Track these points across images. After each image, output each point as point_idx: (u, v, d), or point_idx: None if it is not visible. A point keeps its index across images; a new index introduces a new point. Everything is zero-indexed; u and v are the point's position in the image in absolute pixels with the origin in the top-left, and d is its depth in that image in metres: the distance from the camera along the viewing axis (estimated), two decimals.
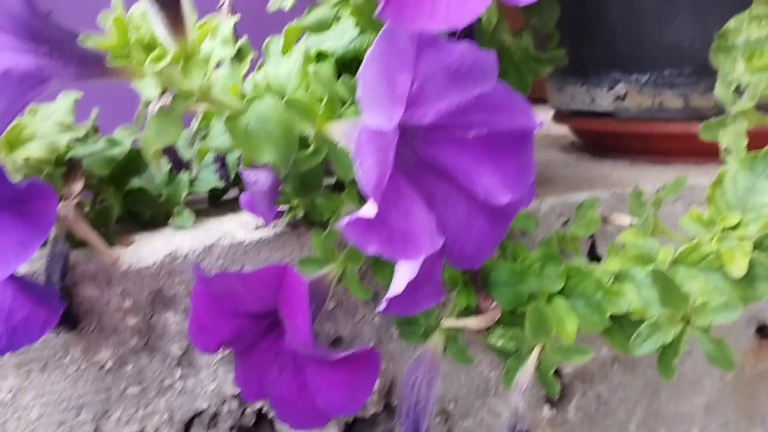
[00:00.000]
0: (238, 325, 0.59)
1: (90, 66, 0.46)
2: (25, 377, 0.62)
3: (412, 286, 0.47)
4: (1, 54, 0.43)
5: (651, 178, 0.85)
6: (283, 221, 0.66)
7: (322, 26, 0.54)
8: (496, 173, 0.47)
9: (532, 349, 0.61)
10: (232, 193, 0.86)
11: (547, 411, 0.81)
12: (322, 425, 0.62)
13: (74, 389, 0.63)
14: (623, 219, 0.70)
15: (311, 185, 0.58)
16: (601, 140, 1.01)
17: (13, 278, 0.48)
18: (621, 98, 0.89)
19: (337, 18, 0.54)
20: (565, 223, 0.76)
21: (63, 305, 0.51)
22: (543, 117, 1.22)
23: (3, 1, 0.44)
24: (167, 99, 0.48)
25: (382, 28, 0.40)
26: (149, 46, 0.43)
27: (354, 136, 0.49)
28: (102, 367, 0.64)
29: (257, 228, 0.69)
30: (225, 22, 0.46)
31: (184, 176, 0.73)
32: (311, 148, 0.51)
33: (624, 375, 0.83)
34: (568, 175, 0.87)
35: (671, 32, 0.82)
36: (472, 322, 0.60)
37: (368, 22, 0.49)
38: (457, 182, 0.49)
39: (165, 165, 0.74)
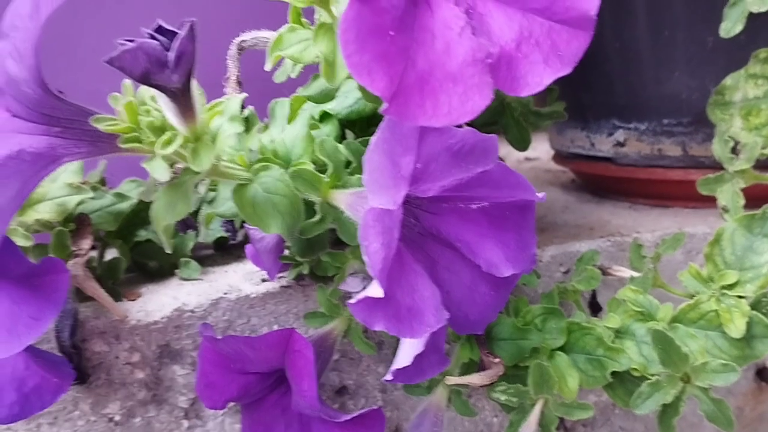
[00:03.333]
0: (245, 382, 0.60)
1: (102, 144, 0.47)
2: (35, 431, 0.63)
3: (418, 357, 0.48)
4: (14, 135, 0.45)
5: (650, 223, 0.86)
6: (289, 276, 0.67)
7: (326, 97, 0.56)
8: (498, 247, 0.49)
9: (535, 403, 0.62)
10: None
11: None
12: None
13: None
14: (623, 271, 0.71)
15: (316, 247, 0.59)
16: (601, 183, 1.02)
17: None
18: (620, 144, 0.90)
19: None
20: (566, 272, 0.77)
21: (74, 372, 0.51)
22: (543, 149, 1.23)
23: (16, 83, 0.45)
24: (177, 169, 0.49)
25: (385, 117, 0.41)
26: (160, 129, 0.44)
27: (359, 208, 0.51)
28: (111, 419, 0.65)
29: (263, 281, 0.70)
30: (233, 100, 0.47)
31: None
32: (317, 217, 0.52)
33: (626, 419, 0.84)
34: (568, 221, 0.89)
35: (669, 84, 0.84)
36: (476, 379, 0.61)
37: (371, 97, 0.50)
38: (460, 252, 0.50)
39: None
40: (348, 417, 0.55)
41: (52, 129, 0.45)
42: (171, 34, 0.39)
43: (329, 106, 0.64)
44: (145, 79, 0.39)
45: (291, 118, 0.57)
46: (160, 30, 0.39)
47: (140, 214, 0.72)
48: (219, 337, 0.57)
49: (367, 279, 0.60)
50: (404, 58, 0.37)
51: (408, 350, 0.46)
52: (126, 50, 0.37)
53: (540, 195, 0.48)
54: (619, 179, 0.94)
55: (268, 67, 0.51)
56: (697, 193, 0.73)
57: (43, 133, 0.45)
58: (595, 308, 0.76)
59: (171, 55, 0.38)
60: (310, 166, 0.54)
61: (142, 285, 0.72)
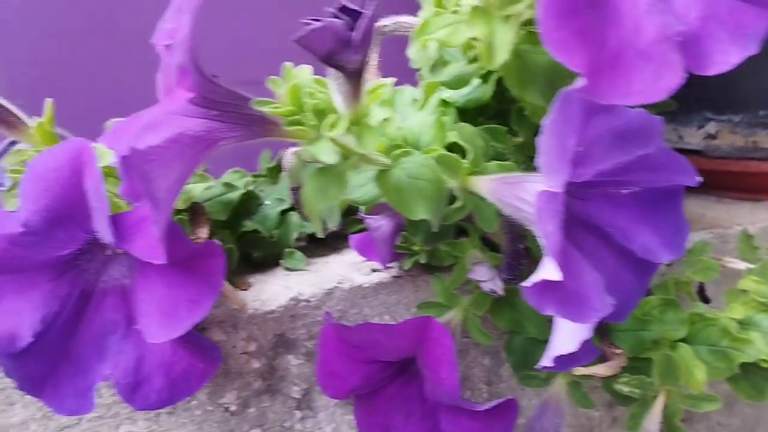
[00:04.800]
0: (369, 371, 0.60)
1: (255, 128, 0.47)
2: (154, 421, 0.63)
3: None
4: (177, 117, 0.45)
5: (745, 215, 0.85)
6: (404, 266, 0.67)
7: (461, 82, 0.55)
8: (654, 232, 0.48)
9: (658, 395, 0.61)
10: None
11: None
12: None
13: None
14: (735, 263, 0.71)
15: (443, 235, 0.59)
16: None
17: None
18: (711, 137, 0.89)
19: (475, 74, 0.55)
20: (669, 264, 0.76)
21: (220, 357, 0.51)
22: None
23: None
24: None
25: (558, 96, 0.41)
26: (323, 111, 0.44)
27: (505, 194, 0.50)
28: (227, 409, 0.65)
29: (373, 271, 0.70)
30: (386, 85, 0.47)
31: (293, 218, 0.74)
32: (458, 203, 0.52)
33: (723, 414, 0.83)
34: None
35: (766, 76, 0.83)
36: (601, 370, 0.61)
37: (516, 82, 0.50)
38: (610, 238, 0.49)
39: (274, 207, 0.75)
40: (486, 407, 0.54)
41: (210, 112, 0.45)
42: (352, 14, 0.38)
43: (446, 94, 0.63)
44: (328, 59, 0.39)
45: (423, 105, 0.57)
46: (341, 9, 0.39)
47: (245, 204, 0.73)
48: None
49: (494, 269, 0.60)
50: (597, 36, 0.37)
51: (571, 336, 0.46)
52: (313, 29, 0.37)
53: (698, 178, 0.48)
54: (709, 172, 0.92)
55: (412, 51, 0.51)
56: None
57: (202, 116, 0.45)
58: (704, 300, 0.75)
59: (356, 35, 0.38)
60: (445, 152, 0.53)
61: (248, 275, 0.72)
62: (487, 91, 0.63)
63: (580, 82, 0.36)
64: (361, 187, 0.55)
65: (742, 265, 0.69)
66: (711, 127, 0.89)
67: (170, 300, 0.47)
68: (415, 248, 0.65)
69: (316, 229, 0.49)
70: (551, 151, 0.42)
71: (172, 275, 0.47)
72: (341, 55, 0.38)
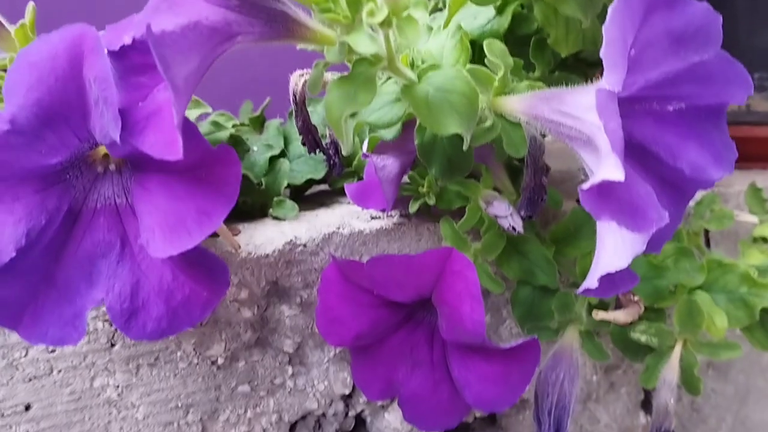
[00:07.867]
0: (375, 315, 0.55)
1: (275, 25, 0.43)
2: (134, 373, 0.57)
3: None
4: (194, 3, 0.40)
5: (740, 182, 0.84)
6: (411, 209, 0.62)
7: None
8: (704, 148, 0.45)
9: (674, 345, 0.59)
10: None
11: (642, 418, 0.78)
12: (453, 425, 0.58)
13: (184, 387, 0.58)
14: (741, 215, 0.69)
15: (459, 168, 0.55)
16: None
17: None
18: None
19: None
20: None
21: (228, 283, 0.46)
22: None
23: None
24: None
25: None
26: (358, 2, 0.40)
27: (543, 109, 0.46)
28: (213, 363, 0.59)
29: (373, 218, 0.65)
30: None
31: (284, 165, 0.69)
32: (488, 123, 0.48)
33: (717, 381, 0.81)
34: None
35: (763, 38, 0.82)
36: (620, 316, 0.58)
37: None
38: (652, 158, 0.46)
39: (262, 153, 0.69)
40: (508, 346, 0.50)
41: (230, 2, 0.40)
42: None
43: (463, 24, 0.59)
44: None
45: (447, 23, 0.53)
46: None
47: (234, 147, 0.67)
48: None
49: (512, 206, 0.56)
50: None
51: (621, 251, 0.42)
52: None
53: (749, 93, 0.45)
54: None
55: None
56: None
57: (221, 5, 0.40)
58: None
59: None
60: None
61: (236, 222, 0.66)
62: (504, 23, 0.59)
63: None
64: (378, 109, 0.51)
65: (751, 218, 0.68)
66: None
67: (177, 211, 0.41)
68: (422, 190, 0.61)
69: (343, 143, 0.44)
70: (615, 43, 0.39)
71: (179, 184, 0.41)
72: None
